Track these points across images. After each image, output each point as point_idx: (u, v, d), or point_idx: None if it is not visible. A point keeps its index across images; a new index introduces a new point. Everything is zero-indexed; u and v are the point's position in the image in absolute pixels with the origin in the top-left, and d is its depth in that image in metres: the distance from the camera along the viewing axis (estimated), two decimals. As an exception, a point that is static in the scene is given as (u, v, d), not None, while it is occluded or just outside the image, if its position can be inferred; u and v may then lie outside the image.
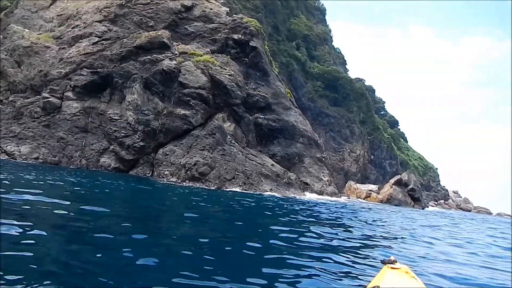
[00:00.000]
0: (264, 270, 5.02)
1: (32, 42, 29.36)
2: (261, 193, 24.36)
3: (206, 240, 6.72)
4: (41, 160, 25.11)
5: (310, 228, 9.32)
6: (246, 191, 24.08)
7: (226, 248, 6.20)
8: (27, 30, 30.72)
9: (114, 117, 27.91)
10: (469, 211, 72.84)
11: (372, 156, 72.43)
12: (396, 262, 2.93)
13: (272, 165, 29.75)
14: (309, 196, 28.39)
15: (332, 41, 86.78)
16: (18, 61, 29.06)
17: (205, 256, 5.30)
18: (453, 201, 79.57)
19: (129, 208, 10.27)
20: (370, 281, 2.78)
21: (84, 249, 5.12)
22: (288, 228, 8.85)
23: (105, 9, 30.80)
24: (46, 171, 18.87)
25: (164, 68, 27.87)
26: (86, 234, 6.05)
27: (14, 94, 27.97)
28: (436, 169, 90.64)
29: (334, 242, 7.89)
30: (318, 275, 4.97)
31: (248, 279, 4.45)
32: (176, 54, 29.47)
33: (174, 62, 28.48)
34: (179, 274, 4.29)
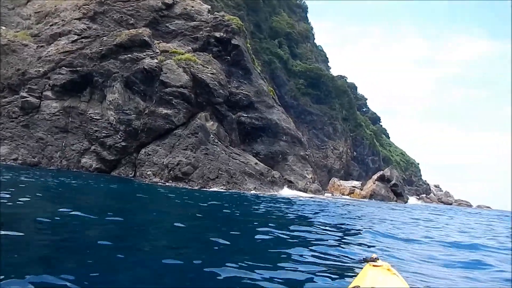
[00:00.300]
0: (227, 271, 4.78)
1: (9, 40, 28.64)
2: (244, 192, 24.33)
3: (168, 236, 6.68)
4: (20, 161, 24.56)
5: (285, 226, 9.31)
6: (230, 190, 24.03)
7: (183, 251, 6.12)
8: (4, 28, 29.93)
9: (95, 117, 27.49)
10: (450, 204, 74.28)
11: (354, 153, 73.17)
12: (378, 259, 2.95)
13: (256, 163, 29.75)
14: (289, 192, 28.47)
15: (314, 39, 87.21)
16: (-5, 59, 28.34)
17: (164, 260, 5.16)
18: (434, 195, 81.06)
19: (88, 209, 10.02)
20: (352, 279, 2.82)
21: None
22: (264, 229, 8.80)
23: (84, 6, 30.25)
24: (23, 172, 18.47)
25: (145, 67, 27.54)
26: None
27: (-10, 94, 27.27)
28: (418, 164, 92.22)
29: (309, 239, 7.90)
30: (292, 277, 4.88)
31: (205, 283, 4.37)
32: (157, 52, 29.15)
33: (155, 60, 28.16)
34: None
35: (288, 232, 8.48)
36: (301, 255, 6.08)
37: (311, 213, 14.58)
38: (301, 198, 25.08)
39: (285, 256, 6.08)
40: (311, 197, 28.45)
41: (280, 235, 8.00)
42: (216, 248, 6.12)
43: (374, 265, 2.91)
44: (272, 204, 16.65)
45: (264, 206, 15.32)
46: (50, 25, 30.22)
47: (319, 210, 16.87)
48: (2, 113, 26.11)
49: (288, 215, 13.20)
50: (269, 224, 9.31)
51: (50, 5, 31.87)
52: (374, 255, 3.02)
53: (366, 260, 3.02)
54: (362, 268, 3.02)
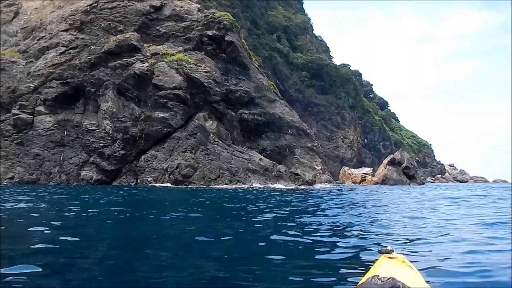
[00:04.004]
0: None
1: (-3, 59, 28.24)
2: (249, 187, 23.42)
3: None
4: (17, 179, 24.02)
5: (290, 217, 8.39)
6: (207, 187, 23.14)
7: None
8: (-10, 48, 29.59)
9: (91, 128, 26.88)
10: (466, 181, 72.54)
11: (365, 140, 71.99)
12: (393, 251, 2.91)
13: (260, 159, 28.83)
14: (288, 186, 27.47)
15: (312, 29, 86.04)
16: (-15, 80, 27.93)
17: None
18: (449, 174, 79.36)
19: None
20: (367, 271, 2.77)
21: None
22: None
23: (70, 17, 29.69)
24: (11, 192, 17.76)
25: (136, 72, 26.83)
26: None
27: (-16, 115, 26.85)
28: (430, 145, 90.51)
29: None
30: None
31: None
32: (148, 55, 28.45)
33: (146, 64, 27.45)
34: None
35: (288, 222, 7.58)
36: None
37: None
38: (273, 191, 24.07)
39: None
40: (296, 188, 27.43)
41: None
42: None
43: (389, 257, 2.86)
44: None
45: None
46: (38, 40, 29.73)
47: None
48: (-5, 133, 25.68)
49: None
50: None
51: (35, 19, 31.40)
52: (389, 247, 2.96)
53: (381, 252, 2.95)
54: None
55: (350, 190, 25.13)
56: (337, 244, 5.32)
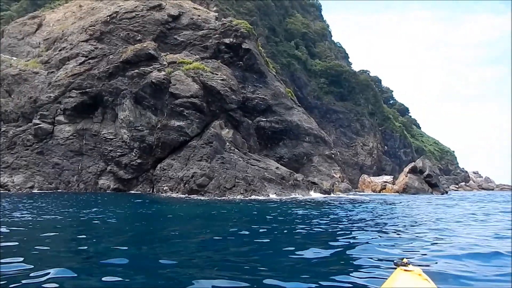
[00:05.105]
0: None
1: (20, 70, 28.94)
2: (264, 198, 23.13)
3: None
4: (36, 189, 24.40)
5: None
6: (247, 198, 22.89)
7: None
8: (14, 58, 30.39)
9: (109, 137, 27.19)
10: (492, 189, 70.36)
11: (385, 147, 70.89)
12: (409, 264, 2.92)
13: (277, 168, 28.59)
14: (314, 195, 27.06)
15: (331, 36, 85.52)
16: (8, 90, 28.64)
17: None
18: (474, 182, 77.17)
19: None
20: (382, 283, 2.80)
21: None
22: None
23: (90, 28, 30.24)
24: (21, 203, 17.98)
25: (153, 80, 27.05)
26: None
27: (6, 124, 27.48)
28: (453, 151, 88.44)
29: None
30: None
31: None
32: (165, 64, 28.68)
33: (163, 73, 27.67)
34: None
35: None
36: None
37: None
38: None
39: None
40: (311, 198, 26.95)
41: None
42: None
43: (405, 270, 2.87)
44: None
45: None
46: (59, 50, 30.38)
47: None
48: (17, 142, 26.19)
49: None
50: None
51: (58, 31, 32.13)
52: (405, 260, 2.98)
53: (397, 264, 2.97)
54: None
55: (387, 203, 24.54)
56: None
